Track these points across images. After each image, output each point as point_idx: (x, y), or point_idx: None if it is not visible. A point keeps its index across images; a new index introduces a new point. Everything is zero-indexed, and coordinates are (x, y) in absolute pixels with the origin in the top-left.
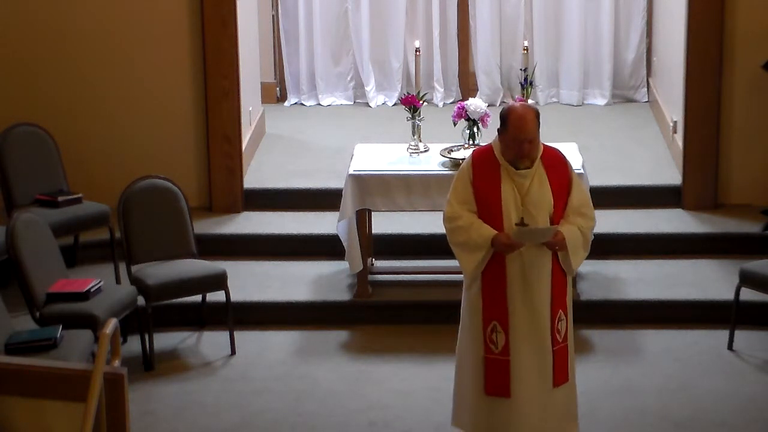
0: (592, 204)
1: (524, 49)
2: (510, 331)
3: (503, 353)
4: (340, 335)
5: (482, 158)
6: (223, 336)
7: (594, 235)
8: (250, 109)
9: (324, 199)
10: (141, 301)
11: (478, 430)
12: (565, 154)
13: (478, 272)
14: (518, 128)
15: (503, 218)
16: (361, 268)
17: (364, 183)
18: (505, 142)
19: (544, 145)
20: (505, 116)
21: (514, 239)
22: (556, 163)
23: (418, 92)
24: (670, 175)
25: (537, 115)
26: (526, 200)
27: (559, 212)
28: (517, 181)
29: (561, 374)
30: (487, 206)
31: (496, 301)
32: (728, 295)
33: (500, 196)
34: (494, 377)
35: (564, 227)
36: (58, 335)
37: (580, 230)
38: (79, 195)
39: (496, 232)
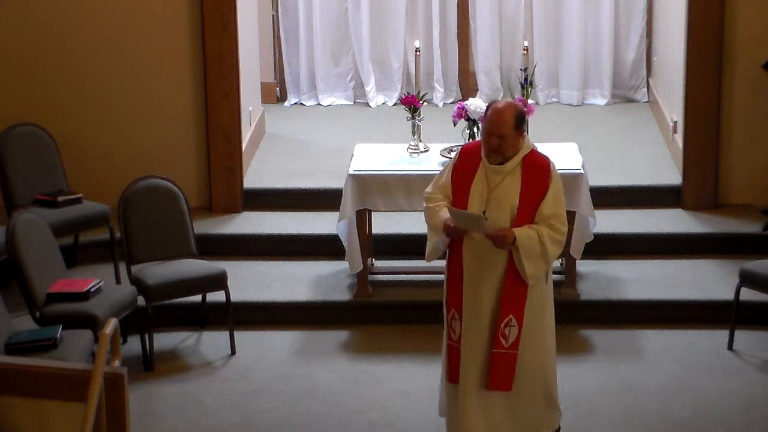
0: (565, 221)
1: (524, 49)
2: (463, 321)
3: (458, 341)
4: (340, 335)
5: (469, 150)
6: (223, 336)
7: (594, 235)
8: (250, 109)
9: (324, 199)
10: (141, 301)
11: (445, 415)
12: (553, 167)
13: (435, 255)
14: (490, 121)
15: (468, 208)
16: (361, 268)
17: (364, 183)
18: (482, 135)
19: (534, 150)
20: (486, 109)
21: (450, 220)
22: (537, 170)
23: (418, 92)
24: (670, 175)
25: (518, 114)
26: (491, 195)
27: (523, 216)
28: (490, 177)
29: (498, 380)
30: (459, 195)
31: (454, 290)
32: (728, 295)
33: (470, 187)
34: (451, 363)
35: (522, 229)
36: (58, 335)
37: (539, 238)
38: (79, 195)
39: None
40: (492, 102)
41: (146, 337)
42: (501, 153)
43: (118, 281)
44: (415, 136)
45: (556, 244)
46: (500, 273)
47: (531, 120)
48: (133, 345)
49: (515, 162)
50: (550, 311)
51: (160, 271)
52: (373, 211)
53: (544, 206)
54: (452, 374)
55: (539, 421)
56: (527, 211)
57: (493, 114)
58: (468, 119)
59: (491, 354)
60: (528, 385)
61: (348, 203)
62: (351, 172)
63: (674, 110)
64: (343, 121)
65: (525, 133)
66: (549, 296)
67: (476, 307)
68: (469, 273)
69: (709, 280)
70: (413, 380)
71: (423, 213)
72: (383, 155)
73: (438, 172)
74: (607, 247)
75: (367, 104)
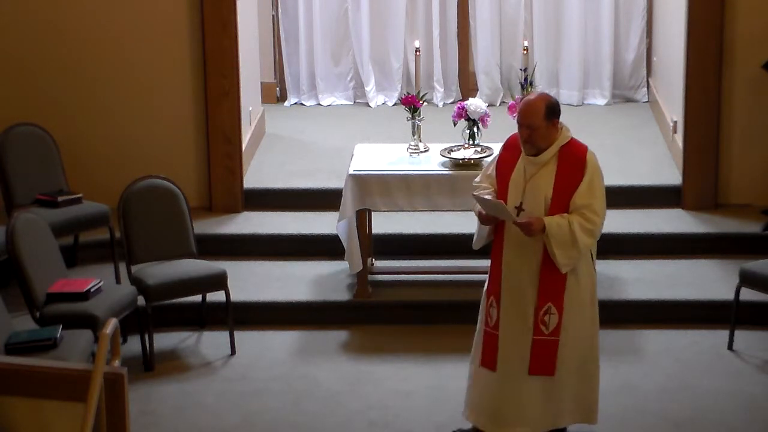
0: (599, 210)
1: (524, 49)
2: (501, 308)
3: (495, 327)
4: (340, 335)
5: (513, 142)
6: (223, 336)
7: None
8: (250, 109)
9: (324, 199)
10: (141, 301)
11: (472, 398)
12: (590, 156)
13: (479, 242)
14: (520, 112)
15: (507, 198)
16: (361, 268)
17: (364, 183)
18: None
19: (572, 140)
20: (519, 102)
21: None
22: (572, 160)
23: (418, 92)
24: (670, 175)
25: (549, 105)
26: (528, 185)
27: (556, 206)
28: (527, 168)
29: (540, 365)
30: (500, 185)
31: (494, 278)
32: (728, 295)
33: (510, 177)
34: (487, 350)
35: (553, 218)
36: (58, 335)
37: (569, 226)
38: (79, 195)
39: None
40: (525, 95)
41: (146, 337)
42: (532, 144)
43: (118, 281)
44: (415, 136)
45: (587, 233)
46: (538, 262)
47: None
48: (133, 345)
49: (551, 153)
50: (592, 299)
51: (160, 271)
52: (373, 211)
53: (577, 196)
54: (486, 360)
55: (576, 409)
56: (561, 201)
57: (524, 105)
58: (468, 119)
59: (532, 341)
60: (567, 372)
61: (348, 203)
62: (351, 172)
63: (674, 110)
64: (343, 121)
65: (560, 124)
66: (590, 284)
67: (514, 295)
68: (507, 261)
69: (709, 280)
70: (413, 380)
71: (422, 213)
72: (383, 155)
73: (436, 173)
74: (607, 247)
75: (367, 104)
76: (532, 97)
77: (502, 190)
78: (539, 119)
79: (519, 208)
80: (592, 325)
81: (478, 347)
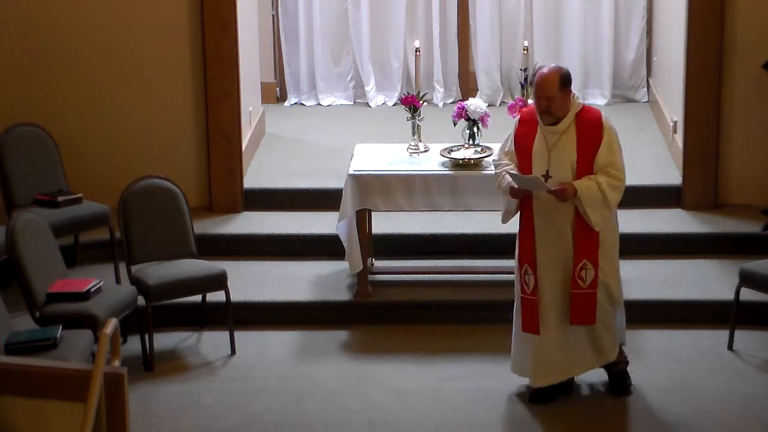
0: (621, 166)
1: (524, 49)
2: (537, 274)
3: (533, 293)
4: (340, 335)
5: (527, 116)
6: (223, 336)
7: None
8: (250, 109)
9: (324, 199)
10: (141, 301)
11: (517, 363)
12: (605, 118)
13: (508, 216)
14: (537, 85)
15: (532, 169)
16: (361, 268)
17: (364, 183)
18: (534, 99)
19: (585, 106)
20: (533, 75)
21: (513, 182)
22: (590, 124)
23: (418, 92)
24: (670, 175)
25: (562, 76)
26: (552, 154)
27: (582, 169)
28: (548, 137)
29: (580, 315)
30: (523, 157)
31: (526, 248)
32: (728, 295)
33: (531, 149)
34: (527, 315)
35: (581, 181)
36: (58, 335)
37: (598, 186)
38: (79, 195)
39: None
40: (538, 68)
41: (146, 337)
42: (552, 113)
43: (118, 281)
44: (415, 136)
45: (615, 189)
46: (568, 224)
47: None
48: (133, 345)
49: (568, 120)
50: (617, 246)
51: (160, 271)
52: (373, 211)
53: (599, 157)
54: (527, 324)
55: (610, 345)
56: (586, 163)
57: (539, 78)
58: (468, 119)
59: (570, 295)
60: (602, 315)
61: (348, 203)
62: (351, 172)
63: (674, 110)
64: (343, 121)
65: (572, 93)
66: (616, 234)
67: (549, 259)
68: (539, 228)
69: (709, 280)
70: (413, 380)
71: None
72: (383, 155)
73: (436, 173)
74: None
75: (367, 104)
76: (545, 70)
77: (525, 162)
78: (555, 90)
79: (546, 176)
80: (617, 270)
81: (518, 314)
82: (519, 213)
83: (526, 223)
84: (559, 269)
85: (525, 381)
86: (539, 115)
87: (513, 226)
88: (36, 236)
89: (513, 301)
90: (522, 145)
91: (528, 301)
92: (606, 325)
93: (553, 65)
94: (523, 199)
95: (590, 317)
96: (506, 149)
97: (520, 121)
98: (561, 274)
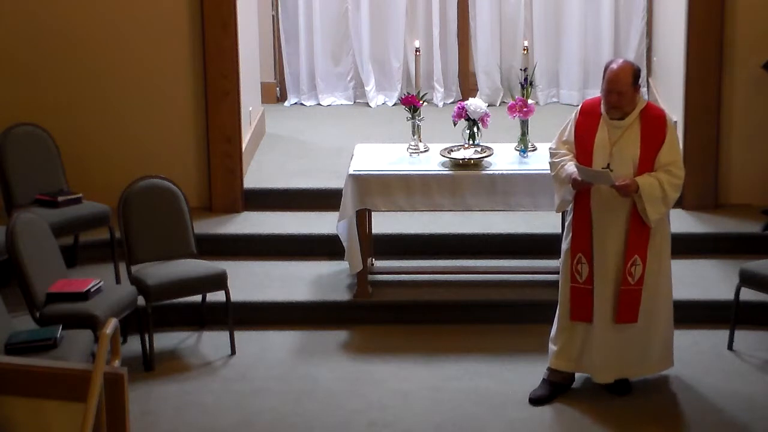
0: (682, 166)
1: (524, 49)
2: (593, 264)
3: (587, 282)
4: (340, 335)
5: (589, 107)
6: (223, 336)
7: None
8: (250, 109)
9: (324, 199)
10: (141, 301)
11: (562, 352)
12: (668, 117)
13: (564, 206)
14: (609, 80)
15: (593, 161)
16: (361, 268)
17: (364, 183)
18: (601, 93)
19: (649, 103)
20: (604, 69)
21: (577, 174)
22: (654, 121)
23: (418, 92)
24: None
25: (634, 71)
26: (614, 149)
27: (644, 166)
28: (611, 131)
29: (625, 313)
30: (583, 149)
31: (581, 237)
32: (728, 295)
33: (593, 142)
34: (579, 304)
35: (643, 178)
36: (58, 335)
37: (660, 184)
38: (79, 195)
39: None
40: (609, 62)
41: (146, 337)
42: (621, 108)
43: (118, 281)
44: (415, 136)
45: (674, 188)
46: (625, 218)
47: (531, 120)
48: (133, 345)
49: (634, 116)
50: (668, 247)
51: (160, 271)
52: (373, 211)
53: (661, 155)
54: (576, 313)
55: (660, 354)
56: (648, 160)
57: (611, 73)
58: (468, 119)
59: (619, 291)
60: (651, 317)
61: (348, 203)
62: (351, 172)
63: (674, 110)
64: (343, 121)
65: (641, 89)
66: (668, 234)
67: (605, 250)
68: (597, 219)
69: (709, 280)
70: (413, 380)
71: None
72: (383, 155)
73: (436, 173)
74: None
75: (367, 104)
76: (617, 65)
77: (585, 155)
78: (627, 85)
79: (606, 168)
80: (668, 274)
81: (565, 304)
82: (573, 203)
83: (582, 214)
84: (611, 263)
85: (526, 381)
86: (607, 109)
87: (513, 226)
88: (36, 236)
89: (512, 301)
90: (582, 137)
91: (580, 290)
92: (652, 331)
93: (621, 59)
94: (580, 190)
95: (634, 315)
96: (564, 138)
97: (581, 111)
98: (613, 268)
